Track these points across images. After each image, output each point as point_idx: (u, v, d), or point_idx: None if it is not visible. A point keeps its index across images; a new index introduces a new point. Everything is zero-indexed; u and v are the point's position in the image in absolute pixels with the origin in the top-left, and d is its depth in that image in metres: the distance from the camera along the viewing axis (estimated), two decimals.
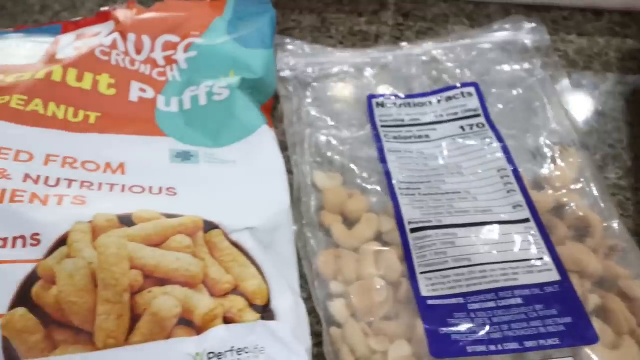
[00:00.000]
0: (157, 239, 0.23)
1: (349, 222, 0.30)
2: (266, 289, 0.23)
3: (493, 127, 0.32)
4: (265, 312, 0.23)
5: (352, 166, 0.31)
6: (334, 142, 0.32)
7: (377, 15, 0.41)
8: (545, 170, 0.30)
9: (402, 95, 0.34)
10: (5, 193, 0.23)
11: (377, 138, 0.32)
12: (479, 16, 0.40)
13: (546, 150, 0.31)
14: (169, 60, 0.33)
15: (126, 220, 0.23)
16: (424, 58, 0.36)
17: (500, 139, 0.31)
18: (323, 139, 0.32)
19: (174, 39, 0.34)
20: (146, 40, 0.33)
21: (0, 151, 0.25)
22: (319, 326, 0.26)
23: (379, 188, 0.30)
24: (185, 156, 0.28)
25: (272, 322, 0.22)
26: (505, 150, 0.31)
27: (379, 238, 0.29)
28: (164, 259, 0.22)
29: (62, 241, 0.22)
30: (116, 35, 0.32)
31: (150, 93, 0.31)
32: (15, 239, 0.22)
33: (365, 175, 0.31)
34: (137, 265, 0.22)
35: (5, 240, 0.22)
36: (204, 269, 0.23)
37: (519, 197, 0.29)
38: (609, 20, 0.39)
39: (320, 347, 0.26)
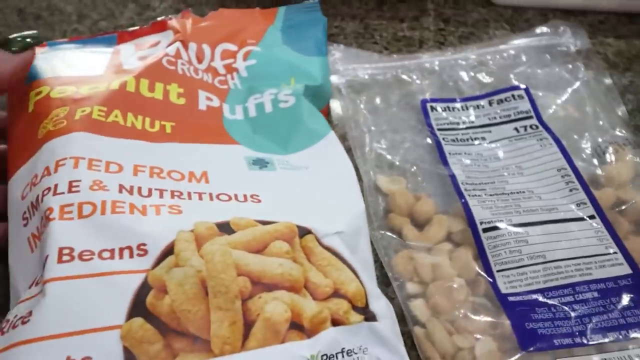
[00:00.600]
0: (257, 245, 0.23)
1: (417, 224, 0.30)
2: (363, 291, 0.24)
3: (547, 128, 0.33)
4: (367, 313, 0.23)
5: (414, 169, 0.32)
6: (393, 146, 0.33)
7: (418, 21, 0.42)
8: (602, 169, 0.32)
9: (454, 99, 0.35)
10: (105, 204, 0.23)
11: (436, 141, 0.33)
12: (518, 21, 0.42)
13: (601, 149, 0.32)
14: (230, 69, 0.33)
15: (225, 228, 0.24)
16: (470, 62, 0.37)
17: (556, 139, 0.32)
18: (382, 143, 0.33)
19: (231, 47, 0.34)
20: (206, 49, 0.33)
21: (91, 163, 0.25)
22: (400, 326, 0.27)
23: (444, 190, 0.31)
24: (261, 163, 0.28)
25: (375, 323, 0.23)
26: (563, 150, 0.32)
27: (449, 238, 0.30)
28: (267, 265, 0.23)
29: (169, 250, 0.22)
30: (178, 44, 0.32)
31: (216, 101, 0.31)
32: (121, 249, 0.22)
33: (428, 177, 0.32)
34: (243, 272, 0.22)
35: (112, 251, 0.22)
36: (304, 274, 0.23)
37: (581, 195, 0.30)
38: None
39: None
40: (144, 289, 0.21)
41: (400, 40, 0.40)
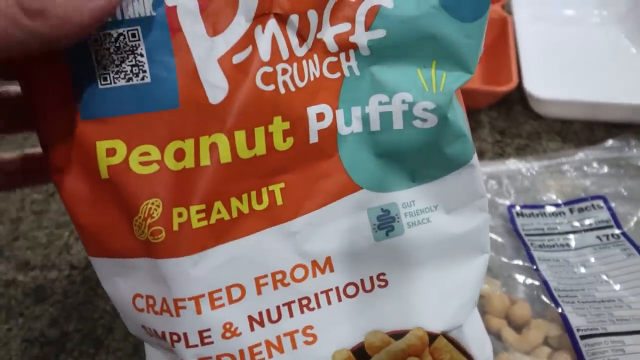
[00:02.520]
0: None
1: (514, 327, 0.33)
2: None
3: (628, 238, 0.36)
4: None
5: (508, 273, 0.35)
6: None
7: (475, 133, 0.45)
8: None
9: (539, 205, 0.38)
10: (243, 354, 0.22)
11: (525, 246, 0.36)
12: (567, 132, 0.45)
13: None
14: (344, 44, 0.22)
15: (361, 355, 0.24)
16: (550, 170, 0.40)
17: (638, 249, 0.35)
18: None
19: None
20: (312, 16, 0.21)
21: (212, 298, 0.22)
22: None
23: (536, 294, 0.33)
24: (387, 225, 0.23)
25: None
26: None
27: (546, 343, 0.32)
28: None
29: None
30: (273, 26, 0.21)
31: (328, 115, 0.22)
32: None
33: (521, 281, 0.34)
34: None
35: None
36: None
37: None
38: None
39: None
40: None
41: None
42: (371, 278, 0.24)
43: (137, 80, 0.20)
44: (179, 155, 0.21)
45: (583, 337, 0.31)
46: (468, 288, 0.25)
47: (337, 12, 0.22)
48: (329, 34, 0.22)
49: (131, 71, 0.20)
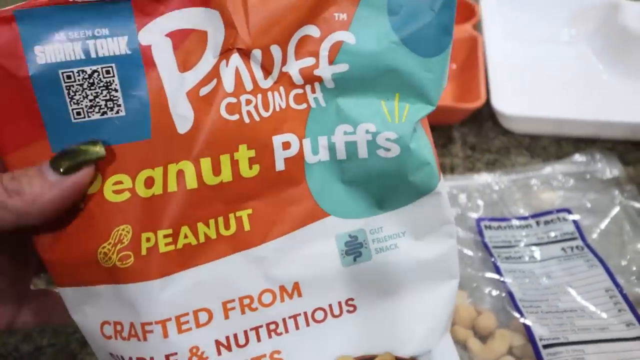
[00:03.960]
0: None
1: (480, 337, 0.33)
2: None
3: (592, 250, 0.37)
4: None
5: (475, 284, 0.35)
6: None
7: (447, 148, 0.46)
8: None
9: (506, 218, 0.39)
10: None
11: (492, 258, 0.37)
12: (535, 148, 0.46)
13: None
14: (310, 77, 0.23)
15: None
16: (518, 183, 0.41)
17: (601, 260, 0.36)
18: None
19: (313, 32, 0.22)
20: (276, 51, 0.22)
21: (179, 322, 0.22)
22: None
23: (501, 304, 0.34)
24: (355, 251, 0.24)
25: None
26: (608, 271, 0.35)
27: (510, 352, 0.32)
28: None
29: None
30: (237, 60, 0.22)
31: (295, 144, 0.23)
32: None
33: (487, 292, 0.35)
34: None
35: None
36: None
37: (629, 316, 0.33)
38: None
39: None
40: None
41: None
42: (339, 303, 0.24)
43: (112, 113, 0.21)
44: (149, 182, 0.22)
45: (545, 347, 0.31)
46: (437, 313, 0.25)
47: (302, 48, 0.22)
48: (294, 68, 0.23)
49: (106, 105, 0.21)
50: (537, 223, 0.39)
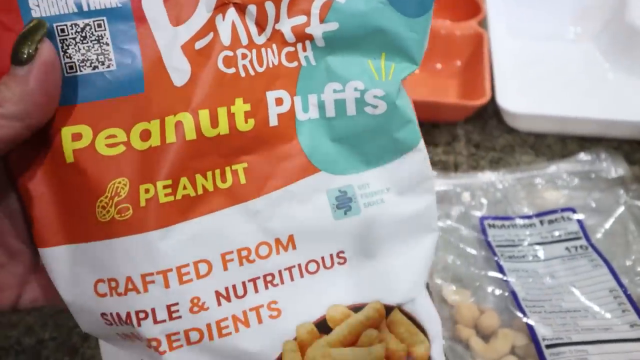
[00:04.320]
0: (351, 338, 0.25)
1: (482, 336, 0.33)
2: (429, 353, 0.26)
3: (595, 249, 0.37)
4: None
5: (478, 283, 0.35)
6: (458, 259, 0.37)
7: (451, 146, 0.46)
8: None
9: (510, 217, 0.39)
10: (211, 327, 0.22)
11: (495, 257, 0.37)
12: (540, 146, 0.46)
13: None
14: (301, 35, 0.24)
15: (323, 327, 0.25)
16: (522, 182, 0.41)
17: (605, 260, 0.36)
18: (450, 257, 0.37)
19: None
20: (270, 7, 0.23)
21: (180, 272, 0.22)
22: None
23: (504, 304, 0.34)
24: (345, 204, 0.25)
25: None
26: (612, 271, 0.35)
27: (513, 352, 0.32)
28: (361, 357, 0.25)
29: None
30: (233, 14, 0.23)
31: (286, 101, 0.24)
32: None
33: (490, 291, 0.35)
34: None
35: None
36: (386, 346, 0.25)
37: (633, 317, 0.33)
38: None
39: None
40: None
41: (436, 164, 0.45)
42: (331, 256, 0.25)
43: (103, 68, 0.21)
44: (145, 135, 0.22)
45: (548, 347, 0.31)
46: (420, 264, 0.26)
47: (294, 6, 0.23)
48: (286, 26, 0.23)
49: (97, 59, 0.21)
50: (541, 222, 0.39)
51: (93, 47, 0.21)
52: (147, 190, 0.22)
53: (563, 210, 0.39)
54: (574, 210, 0.39)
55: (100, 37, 0.21)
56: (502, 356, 0.32)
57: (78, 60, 0.21)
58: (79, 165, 0.22)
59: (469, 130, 0.47)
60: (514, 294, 0.34)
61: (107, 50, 0.21)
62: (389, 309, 0.25)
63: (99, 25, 0.21)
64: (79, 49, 0.21)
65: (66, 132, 0.21)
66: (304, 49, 0.24)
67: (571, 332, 0.32)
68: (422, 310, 0.26)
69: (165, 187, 0.22)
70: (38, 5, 0.21)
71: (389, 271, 0.26)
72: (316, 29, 0.23)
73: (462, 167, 0.45)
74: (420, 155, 0.26)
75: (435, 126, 0.47)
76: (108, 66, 0.21)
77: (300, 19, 0.23)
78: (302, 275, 0.24)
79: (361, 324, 0.25)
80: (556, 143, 0.46)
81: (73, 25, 0.21)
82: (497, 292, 0.35)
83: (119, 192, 0.22)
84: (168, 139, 0.22)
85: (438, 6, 0.52)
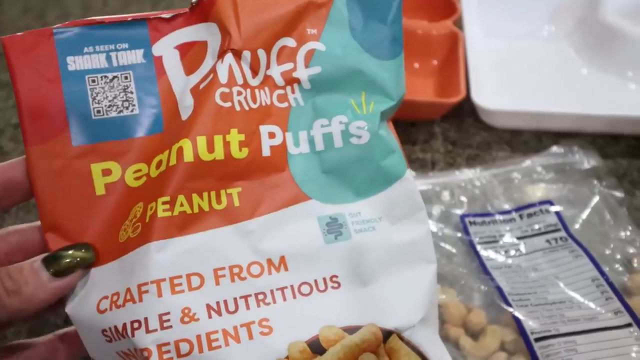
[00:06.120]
0: None
1: (471, 334, 0.33)
2: None
3: (575, 240, 0.37)
4: None
5: (463, 281, 0.35)
6: (442, 259, 0.36)
7: (428, 144, 0.46)
8: (630, 279, 0.35)
9: (489, 213, 0.39)
10: (201, 339, 0.23)
11: (477, 255, 0.37)
12: (516, 143, 0.46)
13: (626, 259, 0.36)
14: (289, 79, 0.27)
15: (316, 347, 0.25)
16: (498, 178, 0.41)
17: (585, 250, 0.36)
18: None
19: (289, 43, 0.27)
20: (262, 54, 0.26)
21: (173, 283, 0.23)
22: None
23: (491, 300, 0.34)
24: (335, 230, 0.26)
25: None
26: (593, 260, 0.35)
27: (502, 348, 0.32)
28: None
29: None
30: (230, 59, 0.26)
31: (278, 135, 0.26)
32: None
33: (475, 288, 0.35)
34: None
35: None
36: None
37: (617, 304, 0.33)
38: (626, 144, 0.46)
39: None
40: None
41: (414, 162, 0.45)
42: (324, 279, 0.26)
43: (127, 112, 0.25)
44: (159, 164, 0.25)
45: (537, 340, 0.31)
46: (418, 294, 0.26)
47: (282, 54, 0.27)
48: (276, 71, 0.27)
49: (122, 105, 0.25)
50: (521, 216, 0.39)
51: (119, 95, 0.25)
52: (151, 208, 0.24)
53: (541, 203, 0.39)
54: (551, 203, 0.39)
55: (126, 87, 0.25)
56: (492, 353, 0.32)
57: (105, 105, 0.25)
58: (109, 197, 0.25)
59: (446, 128, 0.47)
60: (499, 289, 0.34)
61: (132, 98, 0.25)
62: (385, 334, 0.25)
63: (126, 78, 0.25)
64: (107, 97, 0.25)
65: (96, 168, 0.25)
66: (293, 91, 0.27)
67: (558, 323, 0.32)
68: (427, 342, 0.26)
69: (164, 202, 0.24)
70: (74, 61, 0.25)
71: (384, 296, 0.26)
72: (302, 73, 0.27)
73: (439, 164, 0.45)
74: (408, 185, 0.27)
75: (413, 125, 0.47)
76: (132, 110, 0.25)
77: (288, 65, 0.27)
78: (294, 297, 0.25)
79: (357, 346, 0.25)
80: (532, 139, 0.47)
81: (103, 77, 0.25)
82: (483, 288, 0.35)
83: (136, 214, 0.25)
84: (171, 162, 0.25)
85: (414, 6, 0.53)
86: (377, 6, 0.27)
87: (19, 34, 0.25)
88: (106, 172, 0.25)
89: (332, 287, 0.25)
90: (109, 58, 0.25)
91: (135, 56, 0.26)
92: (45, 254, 0.24)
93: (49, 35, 0.25)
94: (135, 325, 0.23)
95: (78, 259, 0.24)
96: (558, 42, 0.55)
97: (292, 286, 0.25)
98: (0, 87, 0.53)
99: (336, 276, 0.26)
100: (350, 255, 0.26)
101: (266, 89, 0.27)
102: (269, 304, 0.25)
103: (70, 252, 0.24)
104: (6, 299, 0.23)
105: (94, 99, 0.25)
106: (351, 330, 0.25)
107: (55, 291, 0.24)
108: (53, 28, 0.25)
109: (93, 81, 0.25)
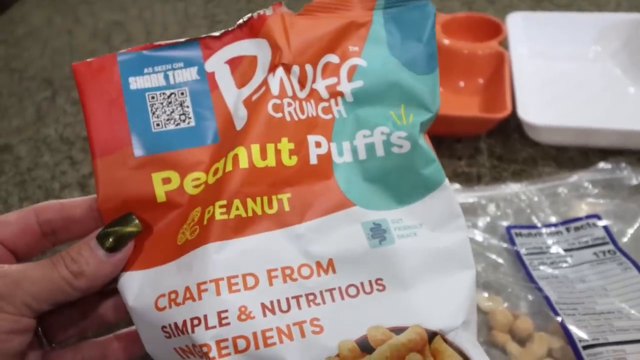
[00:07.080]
0: None
1: (518, 340, 0.34)
2: None
3: (624, 253, 0.37)
4: None
5: (510, 289, 0.36)
6: (488, 268, 0.37)
7: (474, 159, 0.47)
8: None
9: (536, 226, 0.40)
10: (257, 336, 0.24)
11: (524, 265, 0.37)
12: (562, 159, 0.47)
13: None
14: (333, 92, 0.29)
15: (365, 346, 0.25)
16: (545, 192, 0.42)
17: (634, 263, 0.36)
18: (480, 265, 0.37)
19: (333, 59, 0.29)
20: (309, 69, 0.28)
21: (230, 282, 0.25)
22: None
23: (538, 309, 0.35)
24: (379, 235, 0.27)
25: None
26: None
27: (549, 355, 0.33)
28: None
29: None
30: (281, 73, 0.28)
31: (324, 145, 0.28)
32: None
33: (522, 297, 0.36)
34: None
35: None
36: None
37: None
38: None
39: None
40: None
41: (460, 176, 0.46)
42: (370, 282, 0.26)
43: (184, 124, 0.28)
44: (215, 172, 0.27)
45: (585, 348, 0.32)
46: (458, 298, 0.27)
47: (326, 70, 0.29)
48: (321, 85, 0.29)
49: (179, 118, 0.28)
50: (567, 230, 0.39)
51: (176, 109, 0.28)
52: (209, 211, 0.26)
53: (588, 217, 0.40)
54: (599, 217, 0.40)
55: (182, 102, 0.28)
56: (539, 359, 0.32)
57: (164, 119, 0.28)
58: (169, 204, 0.27)
59: (492, 144, 0.48)
60: (547, 298, 0.35)
61: (188, 111, 0.28)
62: (430, 335, 0.26)
63: (182, 94, 0.28)
64: (165, 111, 0.28)
65: (157, 177, 0.27)
66: (337, 104, 0.29)
67: (607, 332, 0.32)
68: (469, 345, 0.26)
69: (221, 206, 0.26)
70: (136, 81, 0.28)
71: (426, 299, 0.27)
72: (345, 87, 0.29)
73: (484, 179, 0.46)
74: (447, 194, 0.28)
75: (458, 140, 0.49)
76: (188, 123, 0.28)
77: (332, 80, 0.29)
78: (342, 298, 0.26)
79: (403, 345, 0.26)
80: (578, 156, 0.47)
81: (161, 94, 0.28)
82: (529, 297, 0.36)
83: (194, 218, 0.26)
84: (227, 168, 0.26)
85: (461, 28, 0.54)
86: (413, 26, 0.29)
87: (87, 60, 0.28)
88: (166, 181, 0.27)
89: (378, 290, 0.26)
90: (166, 77, 0.28)
91: (190, 74, 0.28)
92: (98, 230, 0.27)
93: (113, 60, 0.28)
94: (195, 322, 0.24)
95: (127, 231, 0.26)
96: (604, 62, 0.55)
97: (339, 288, 0.26)
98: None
99: (381, 279, 0.26)
100: (394, 260, 0.27)
101: (312, 101, 0.28)
102: (318, 304, 0.26)
103: (117, 227, 0.26)
104: (75, 282, 0.26)
105: (153, 113, 0.27)
106: (397, 330, 0.26)
107: (115, 265, 0.26)
108: (117, 53, 0.28)
109: (152, 98, 0.28)
